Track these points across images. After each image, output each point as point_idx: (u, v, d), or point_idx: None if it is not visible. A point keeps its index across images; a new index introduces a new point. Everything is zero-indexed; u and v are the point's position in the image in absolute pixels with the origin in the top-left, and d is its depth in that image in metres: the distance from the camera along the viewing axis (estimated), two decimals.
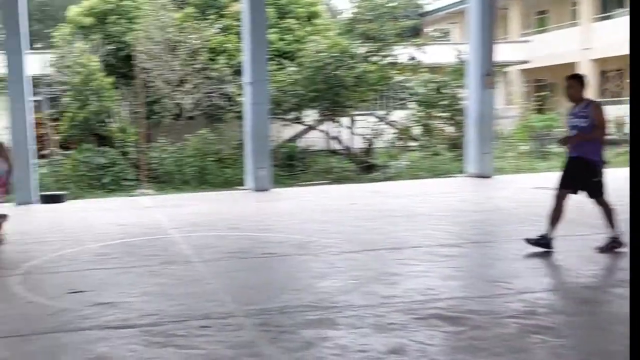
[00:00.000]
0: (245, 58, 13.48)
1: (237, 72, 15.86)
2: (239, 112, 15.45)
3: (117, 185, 15.18)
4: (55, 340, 4.39)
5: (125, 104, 17.70)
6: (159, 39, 17.13)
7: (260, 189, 12.92)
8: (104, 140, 16.90)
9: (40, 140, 16.10)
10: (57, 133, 16.88)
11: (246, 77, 13.45)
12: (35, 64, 15.94)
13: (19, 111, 12.60)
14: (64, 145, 17.19)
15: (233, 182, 14.62)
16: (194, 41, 17.44)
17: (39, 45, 23.21)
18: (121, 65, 18.71)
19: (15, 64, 12.54)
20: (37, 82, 16.45)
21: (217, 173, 15.99)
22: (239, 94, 15.83)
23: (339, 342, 4.09)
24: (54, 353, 4.15)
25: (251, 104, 13.22)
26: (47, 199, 12.58)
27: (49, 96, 15.72)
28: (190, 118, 18.26)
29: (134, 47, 17.10)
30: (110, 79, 17.60)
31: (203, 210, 10.78)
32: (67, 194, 13.16)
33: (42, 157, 15.72)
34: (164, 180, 15.62)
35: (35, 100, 15.79)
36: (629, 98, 3.06)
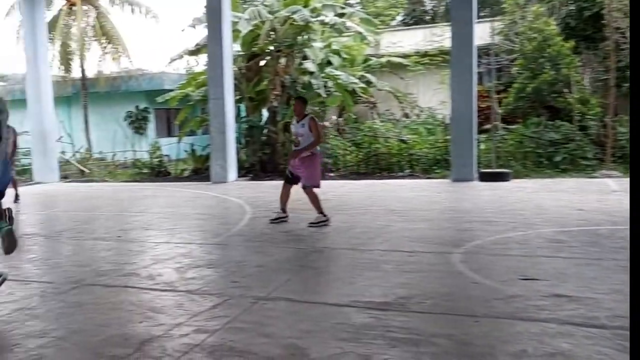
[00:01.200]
0: None
1: None
2: None
3: (572, 165, 14.62)
4: (505, 326, 4.28)
5: (587, 71, 16.89)
6: None
7: None
8: (557, 113, 16.49)
9: (482, 114, 16.77)
10: (501, 106, 17.32)
11: None
12: (481, 33, 16.65)
13: (463, 83, 13.30)
14: (508, 120, 17.52)
15: None
16: None
17: (483, 13, 24.43)
18: (584, 27, 17.95)
19: (463, 35, 13.23)
20: (480, 52, 17.18)
21: None
22: None
23: None
24: (503, 339, 4.01)
25: None
26: (487, 177, 12.95)
27: (494, 67, 16.17)
28: None
29: (606, 5, 16.09)
30: (570, 44, 17.04)
31: None
32: (510, 172, 13.29)
33: (482, 131, 16.35)
34: None
35: (478, 72, 16.54)
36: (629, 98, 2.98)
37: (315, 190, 8.71)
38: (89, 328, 4.58)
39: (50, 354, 4.10)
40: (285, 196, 8.94)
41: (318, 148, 8.77)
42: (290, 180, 8.88)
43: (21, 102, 22.33)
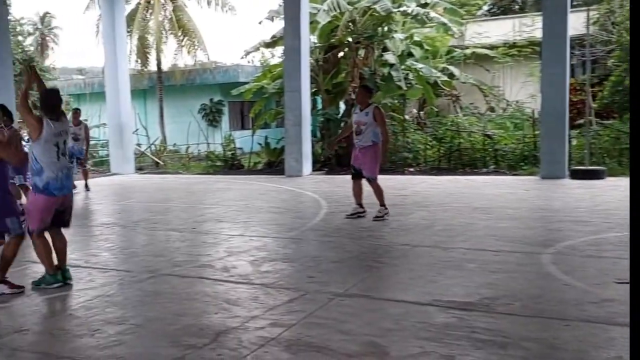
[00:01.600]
0: None
1: None
2: None
3: None
4: (598, 331, 4.17)
5: None
6: None
7: None
8: None
9: (575, 108, 16.24)
10: (595, 100, 16.72)
11: None
12: (574, 22, 16.11)
13: (555, 76, 12.92)
14: (603, 114, 16.88)
15: None
16: None
17: (577, 2, 23.63)
18: None
19: (555, 24, 12.84)
20: (573, 43, 16.64)
21: None
22: None
23: None
24: (596, 345, 3.93)
25: None
26: (580, 174, 12.56)
27: (588, 59, 15.61)
28: None
29: None
30: None
31: None
32: (604, 170, 12.82)
33: (575, 127, 15.82)
34: None
35: (571, 64, 16.02)
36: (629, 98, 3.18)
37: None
38: (165, 317, 4.73)
39: (129, 340, 4.27)
40: (357, 190, 8.97)
41: (379, 138, 8.70)
42: (355, 174, 8.92)
43: (99, 95, 23.27)
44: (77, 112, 13.69)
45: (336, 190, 12.08)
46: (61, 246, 5.72)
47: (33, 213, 5.50)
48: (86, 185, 13.41)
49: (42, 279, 5.64)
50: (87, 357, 3.99)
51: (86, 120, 23.97)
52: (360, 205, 8.97)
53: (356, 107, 8.96)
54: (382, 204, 8.72)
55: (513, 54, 20.79)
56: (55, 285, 5.57)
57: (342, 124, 17.89)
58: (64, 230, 5.81)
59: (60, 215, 5.64)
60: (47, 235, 5.64)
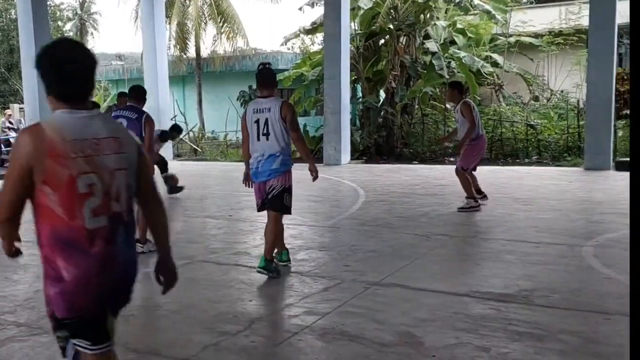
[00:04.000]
0: None
1: None
2: None
3: None
4: None
5: None
6: None
7: None
8: None
9: (622, 98, 15.86)
10: None
11: None
12: (623, 9, 15.72)
13: (602, 65, 12.68)
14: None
15: None
16: None
17: None
18: None
19: (604, 12, 12.57)
20: (621, 31, 16.24)
21: None
22: None
23: None
24: None
25: None
26: (624, 166, 12.32)
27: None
28: None
29: None
30: None
31: None
32: None
33: (621, 117, 15.47)
34: None
35: (619, 53, 15.66)
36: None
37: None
38: (200, 303, 4.81)
39: (163, 326, 4.35)
40: (471, 181, 8.89)
41: (480, 131, 8.75)
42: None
43: (138, 81, 23.52)
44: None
45: (375, 180, 12.07)
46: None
47: None
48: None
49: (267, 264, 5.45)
50: (121, 342, 4.06)
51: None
52: (478, 191, 8.90)
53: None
54: (471, 196, 8.65)
55: (558, 42, 20.37)
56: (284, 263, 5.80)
57: (382, 112, 17.83)
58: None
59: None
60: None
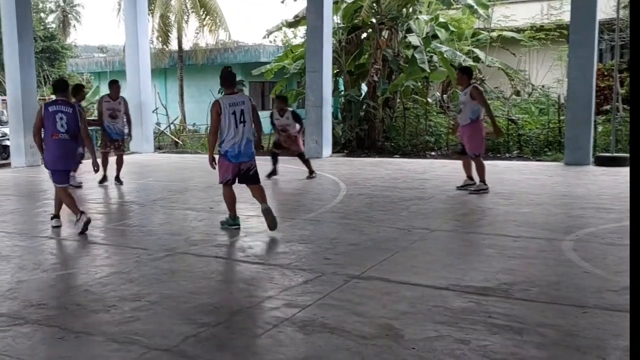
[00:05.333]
0: None
1: None
2: None
3: None
4: (617, 319, 4.14)
5: None
6: None
7: None
8: None
9: (601, 94, 15.99)
10: (624, 86, 16.45)
11: None
12: (604, 6, 15.83)
13: (583, 60, 12.75)
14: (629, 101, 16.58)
15: None
16: None
17: None
18: None
19: (584, 8, 12.65)
20: (602, 27, 16.35)
21: None
22: None
23: None
24: (615, 332, 3.92)
25: None
26: (604, 161, 12.46)
27: (617, 43, 15.34)
28: None
29: None
30: None
31: None
32: (628, 158, 12.67)
33: (601, 113, 15.60)
34: None
35: (599, 49, 15.75)
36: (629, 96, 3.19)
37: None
38: (180, 295, 4.78)
39: (144, 317, 4.32)
40: (465, 164, 9.60)
41: (480, 116, 9.33)
42: (462, 150, 9.62)
43: (120, 74, 23.34)
44: (115, 84, 11.68)
45: (356, 173, 12.08)
46: (256, 192, 7.14)
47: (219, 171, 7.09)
48: (117, 177, 11.27)
49: (225, 221, 7.22)
50: (102, 333, 4.05)
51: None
52: (470, 177, 9.53)
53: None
54: (482, 180, 9.28)
55: (540, 37, 20.51)
56: (233, 227, 7.12)
57: (364, 106, 17.84)
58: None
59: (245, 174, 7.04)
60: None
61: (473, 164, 9.48)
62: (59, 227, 7.38)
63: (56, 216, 7.48)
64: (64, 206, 7.29)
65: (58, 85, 7.63)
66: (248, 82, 28.74)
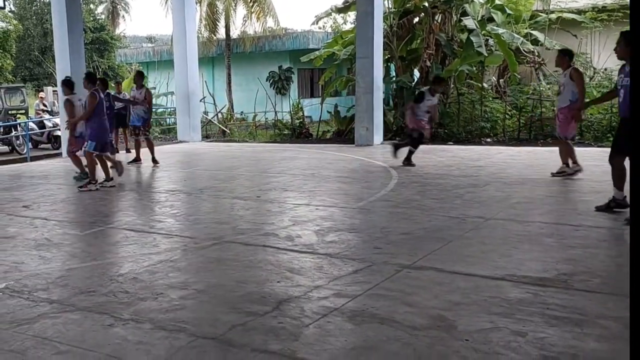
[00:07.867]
0: None
1: None
2: None
3: None
4: None
5: None
6: None
7: None
8: None
9: None
10: None
11: None
12: None
13: None
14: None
15: None
16: None
17: None
18: None
19: None
20: None
21: None
22: None
23: None
24: None
25: None
26: None
27: None
28: None
29: None
30: None
31: None
32: None
33: None
34: None
35: None
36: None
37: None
38: (227, 283, 4.82)
39: (191, 305, 4.37)
40: (562, 150, 9.61)
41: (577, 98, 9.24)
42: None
43: (168, 63, 23.71)
44: (139, 74, 13.62)
45: None
46: None
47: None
48: (153, 159, 12.68)
49: None
50: (150, 320, 4.11)
51: (154, 88, 24.47)
52: (566, 164, 9.54)
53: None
54: (575, 162, 9.42)
55: (602, 18, 19.92)
56: None
57: (416, 92, 17.65)
58: None
59: None
60: None
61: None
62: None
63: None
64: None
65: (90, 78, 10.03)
66: (297, 69, 28.81)
